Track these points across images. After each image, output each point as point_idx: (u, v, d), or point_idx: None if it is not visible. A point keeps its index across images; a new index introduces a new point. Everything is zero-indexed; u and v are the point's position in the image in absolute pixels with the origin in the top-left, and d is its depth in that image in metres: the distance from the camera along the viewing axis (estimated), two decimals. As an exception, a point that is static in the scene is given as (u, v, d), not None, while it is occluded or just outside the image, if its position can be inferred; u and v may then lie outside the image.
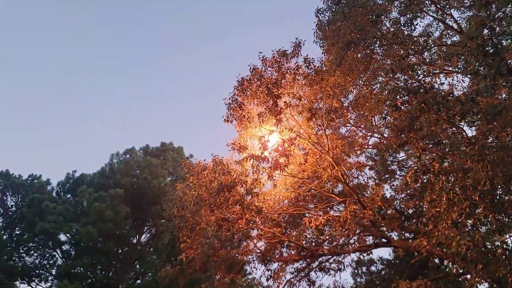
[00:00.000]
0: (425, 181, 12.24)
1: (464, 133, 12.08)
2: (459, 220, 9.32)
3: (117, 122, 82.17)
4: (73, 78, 77.80)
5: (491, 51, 8.17)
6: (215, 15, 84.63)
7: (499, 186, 10.18)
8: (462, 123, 11.66)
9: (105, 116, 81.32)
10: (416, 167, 12.11)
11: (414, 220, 15.23)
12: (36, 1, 67.67)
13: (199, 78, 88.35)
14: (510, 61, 8.03)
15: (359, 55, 14.36)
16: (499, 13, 9.85)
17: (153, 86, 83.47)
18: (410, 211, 15.83)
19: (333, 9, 14.94)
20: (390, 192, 16.73)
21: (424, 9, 14.29)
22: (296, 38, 15.16)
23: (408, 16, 13.73)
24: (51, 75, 77.26)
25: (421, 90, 11.58)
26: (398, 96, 11.68)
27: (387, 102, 12.07)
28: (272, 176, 15.29)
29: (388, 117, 14.49)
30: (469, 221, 9.85)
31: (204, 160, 16.14)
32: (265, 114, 15.46)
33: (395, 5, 14.40)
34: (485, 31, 9.17)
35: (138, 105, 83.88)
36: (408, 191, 14.93)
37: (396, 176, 17.62)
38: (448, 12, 13.91)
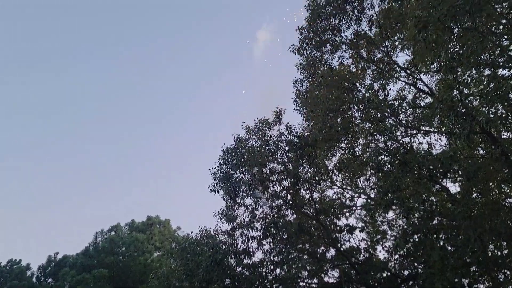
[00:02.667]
0: (416, 240, 12.15)
1: (448, 190, 12.27)
2: (456, 280, 9.14)
3: (102, 199, 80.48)
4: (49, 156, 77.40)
5: (462, 111, 8.62)
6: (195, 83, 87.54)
7: (489, 242, 10.15)
8: (445, 181, 11.89)
9: (90, 193, 79.83)
10: (405, 227, 12.10)
11: (410, 283, 14.80)
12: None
13: (185, 149, 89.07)
14: (481, 119, 8.46)
15: (338, 120, 14.90)
16: (465, 76, 10.53)
17: (137, 159, 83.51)
18: (406, 272, 15.43)
19: (310, 79, 15.74)
20: (383, 254, 16.42)
21: (395, 75, 15.19)
22: (277, 107, 15.80)
23: (381, 81, 14.52)
24: (31, 152, 76.87)
25: (401, 150, 11.94)
26: (379, 157, 11.98)
27: (370, 164, 12.31)
28: (262, 245, 14.99)
29: (373, 178, 14.72)
30: (465, 280, 9.66)
31: (192, 232, 15.80)
32: (251, 182, 15.54)
33: (368, 72, 15.30)
34: (455, 92, 9.74)
35: (123, 179, 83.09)
36: (401, 252, 14.69)
37: (387, 236, 17.40)
38: (417, 77, 14.79)
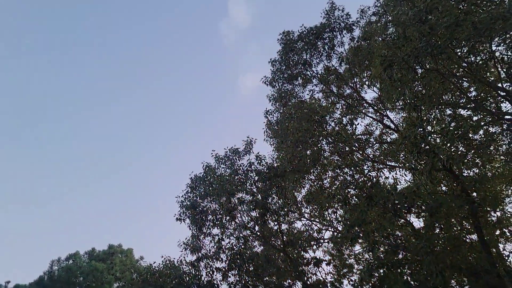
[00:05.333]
0: (381, 274, 12.17)
1: (412, 225, 12.48)
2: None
3: (62, 224, 77.02)
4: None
5: (425, 148, 8.92)
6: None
7: (451, 278, 10.29)
8: (409, 216, 12.10)
9: (48, 217, 76.26)
10: (371, 261, 12.11)
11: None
12: None
13: (151, 176, 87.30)
14: (443, 157, 8.77)
15: (308, 152, 15.07)
16: (428, 115, 10.97)
17: (101, 185, 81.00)
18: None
19: (281, 110, 15.97)
20: (349, 288, 16.31)
21: (363, 110, 15.65)
22: (248, 137, 15.88)
23: (350, 116, 14.91)
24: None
25: (368, 184, 12.12)
26: (347, 191, 12.11)
27: (337, 197, 12.41)
28: (227, 277, 14.61)
29: (340, 211, 14.81)
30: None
31: (154, 262, 15.26)
32: (219, 211, 15.31)
33: (337, 107, 15.71)
34: (418, 130, 10.10)
35: (85, 205, 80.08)
36: (367, 286, 14.66)
37: (354, 270, 17.39)
38: (384, 114, 15.30)
